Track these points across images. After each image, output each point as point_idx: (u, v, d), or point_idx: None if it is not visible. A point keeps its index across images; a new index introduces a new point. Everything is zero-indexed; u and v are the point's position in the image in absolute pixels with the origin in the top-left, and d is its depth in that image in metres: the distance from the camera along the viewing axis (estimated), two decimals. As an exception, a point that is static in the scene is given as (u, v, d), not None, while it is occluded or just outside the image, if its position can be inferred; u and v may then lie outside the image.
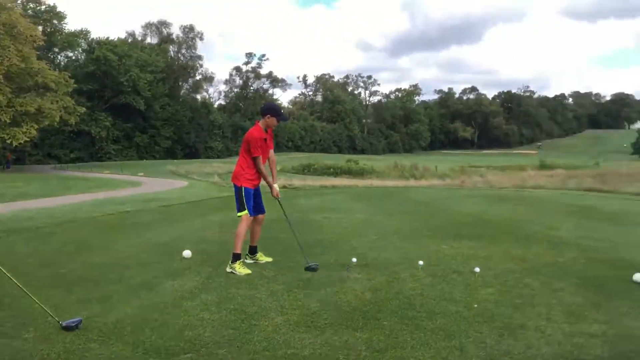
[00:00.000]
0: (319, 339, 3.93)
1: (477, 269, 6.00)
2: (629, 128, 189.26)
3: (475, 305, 4.79)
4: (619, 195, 20.09)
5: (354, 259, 6.41)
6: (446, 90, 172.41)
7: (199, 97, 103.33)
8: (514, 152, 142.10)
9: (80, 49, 76.97)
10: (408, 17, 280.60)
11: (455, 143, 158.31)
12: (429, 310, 4.66)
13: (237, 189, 6.16)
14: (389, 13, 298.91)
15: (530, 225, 9.74)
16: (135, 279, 5.58)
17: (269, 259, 6.48)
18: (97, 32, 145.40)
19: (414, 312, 4.59)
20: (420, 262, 6.26)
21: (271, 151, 6.32)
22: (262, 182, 6.34)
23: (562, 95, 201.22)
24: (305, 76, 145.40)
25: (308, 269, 6.12)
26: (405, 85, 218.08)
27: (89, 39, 77.03)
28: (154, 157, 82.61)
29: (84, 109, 52.83)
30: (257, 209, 6.34)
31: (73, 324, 4.01)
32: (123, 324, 4.19)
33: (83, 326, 4.07)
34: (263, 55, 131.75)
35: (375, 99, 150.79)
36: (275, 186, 6.30)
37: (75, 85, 50.37)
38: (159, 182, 35.50)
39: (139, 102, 77.07)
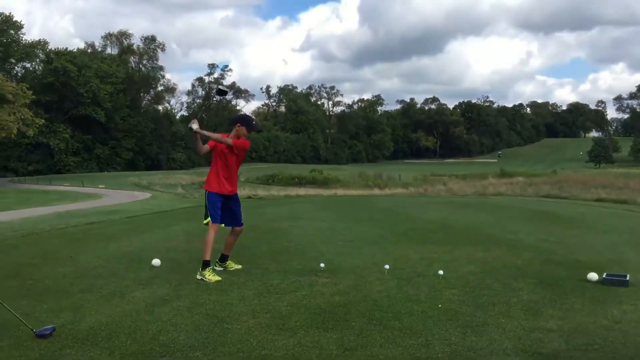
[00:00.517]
0: (292, 340, 4.06)
1: (441, 272, 6.21)
2: (584, 136, 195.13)
3: (440, 305, 4.99)
4: (575, 201, 20.84)
5: (322, 265, 6.55)
6: (408, 100, 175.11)
7: (160, 108, 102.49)
8: (475, 160, 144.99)
9: (38, 60, 75.54)
10: (369, 29, 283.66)
11: (417, 152, 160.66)
12: (395, 311, 4.83)
13: (205, 193, 6.29)
14: (351, 25, 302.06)
15: (491, 230, 10.08)
16: (106, 288, 5.60)
17: (239, 267, 6.57)
18: (56, 43, 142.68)
19: (381, 313, 4.75)
20: (387, 266, 6.44)
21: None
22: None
23: (521, 105, 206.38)
24: (268, 87, 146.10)
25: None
26: (367, 95, 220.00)
27: (47, 50, 75.66)
28: (115, 169, 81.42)
29: (43, 120, 51.82)
30: (231, 219, 6.40)
31: (47, 332, 4.04)
32: (97, 330, 4.23)
33: (56, 334, 4.10)
34: (226, 66, 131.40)
35: (338, 109, 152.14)
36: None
37: (33, 97, 49.43)
38: (121, 194, 35.06)
39: (100, 114, 75.98)
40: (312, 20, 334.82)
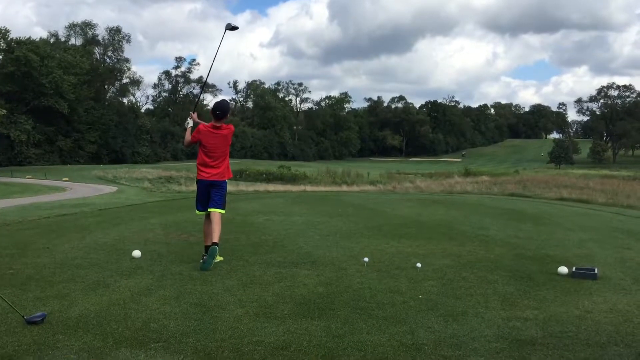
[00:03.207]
0: (281, 328, 4.16)
1: (419, 265, 6.40)
2: (545, 138, 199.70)
3: (420, 296, 5.16)
4: (539, 199, 21.43)
5: (366, 259, 6.64)
6: (375, 98, 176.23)
7: (125, 101, 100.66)
8: (440, 159, 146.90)
9: (-2, 49, 73.33)
10: (339, 26, 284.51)
11: (384, 150, 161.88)
12: (378, 301, 4.99)
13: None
14: (321, 21, 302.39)
15: (462, 226, 10.34)
16: (89, 278, 5.60)
17: (221, 258, 6.63)
18: (17, 32, 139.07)
19: (364, 303, 4.90)
20: (365, 259, 6.61)
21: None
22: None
23: (485, 106, 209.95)
24: (235, 82, 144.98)
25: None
26: (336, 92, 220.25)
27: (9, 39, 73.46)
28: (78, 162, 79.81)
29: (5, 111, 50.46)
30: (206, 203, 6.53)
31: (37, 319, 4.05)
32: (87, 318, 4.26)
33: (46, 321, 4.12)
34: (193, 60, 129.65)
35: (306, 106, 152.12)
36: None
37: (-6, 86, 48.08)
38: (87, 188, 34.52)
39: (62, 105, 74.14)
40: (282, 15, 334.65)
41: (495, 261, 6.95)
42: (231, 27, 7.00)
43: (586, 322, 4.49)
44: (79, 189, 32.81)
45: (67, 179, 44.72)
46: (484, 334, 4.14)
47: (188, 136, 6.70)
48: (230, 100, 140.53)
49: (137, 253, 6.75)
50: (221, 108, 6.57)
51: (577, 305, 4.96)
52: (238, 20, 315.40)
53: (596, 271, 6.11)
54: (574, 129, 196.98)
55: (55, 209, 13.61)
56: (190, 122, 6.75)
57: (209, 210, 6.52)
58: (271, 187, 37.06)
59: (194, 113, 6.80)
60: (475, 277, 6.03)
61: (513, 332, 4.20)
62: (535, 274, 6.25)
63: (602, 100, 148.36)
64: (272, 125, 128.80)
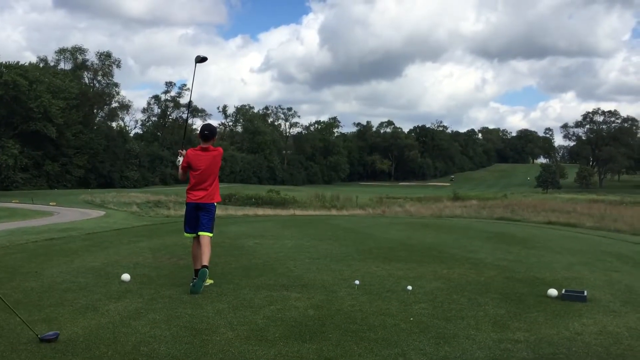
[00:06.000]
0: (272, 351, 4.14)
1: (410, 287, 6.40)
2: (533, 162, 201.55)
3: (411, 319, 5.16)
4: (527, 223, 21.56)
5: (357, 282, 6.63)
6: (365, 123, 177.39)
7: (114, 125, 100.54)
8: (429, 184, 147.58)
9: (-14, 73, 73.17)
10: (330, 51, 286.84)
11: (373, 175, 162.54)
12: (369, 323, 4.98)
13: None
14: (311, 47, 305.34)
15: (452, 249, 10.37)
16: (77, 302, 5.54)
17: (211, 281, 6.60)
18: (6, 56, 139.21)
19: (356, 326, 4.89)
20: (357, 282, 6.60)
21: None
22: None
23: (472, 131, 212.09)
24: (225, 107, 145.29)
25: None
26: (326, 117, 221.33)
27: (-3, 63, 73.47)
28: (66, 187, 79.29)
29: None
30: (195, 226, 6.50)
31: (52, 337, 4.16)
32: (76, 342, 4.21)
33: (35, 344, 4.07)
34: (184, 85, 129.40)
35: (295, 130, 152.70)
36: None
37: (-18, 111, 47.89)
38: (74, 212, 34.23)
39: (50, 130, 73.92)
40: (273, 41, 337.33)
41: (486, 284, 6.97)
42: (200, 59, 7.15)
43: (577, 344, 4.51)
44: (67, 213, 32.55)
45: (55, 204, 44.38)
46: (475, 356, 4.15)
47: (180, 170, 6.69)
48: (219, 124, 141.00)
49: (126, 276, 6.70)
50: (209, 128, 6.63)
51: (567, 328, 4.97)
52: (229, 45, 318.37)
53: (585, 293, 6.15)
54: (560, 154, 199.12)
55: (42, 233, 13.50)
56: (180, 159, 6.72)
57: (198, 233, 6.51)
58: (260, 211, 36.94)
59: (182, 150, 6.79)
60: (466, 299, 6.04)
61: (504, 354, 4.21)
62: (525, 296, 6.27)
63: (587, 126, 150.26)
64: (262, 150, 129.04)
